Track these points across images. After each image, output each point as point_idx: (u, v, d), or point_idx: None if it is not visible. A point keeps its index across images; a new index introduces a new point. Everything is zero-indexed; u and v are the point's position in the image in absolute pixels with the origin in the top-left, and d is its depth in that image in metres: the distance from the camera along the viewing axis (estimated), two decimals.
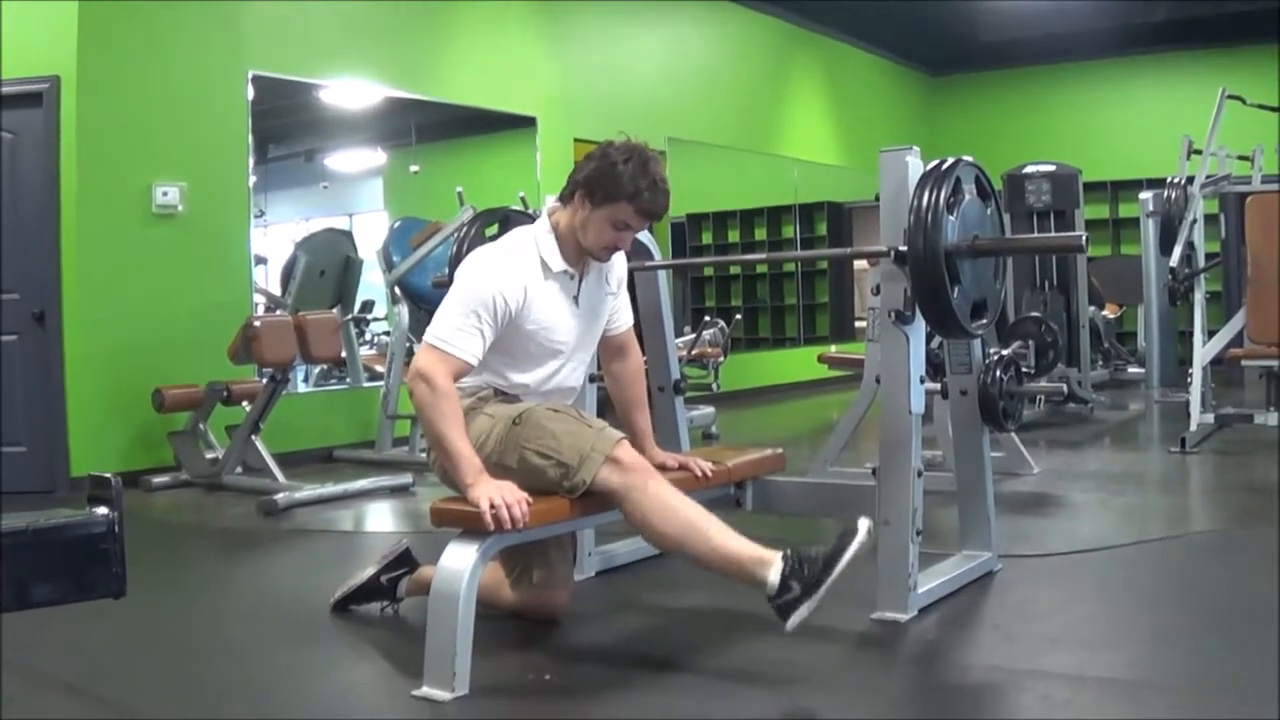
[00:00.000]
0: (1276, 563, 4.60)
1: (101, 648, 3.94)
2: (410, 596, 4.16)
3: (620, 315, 4.10)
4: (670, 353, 5.01)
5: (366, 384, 9.51)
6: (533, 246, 3.74)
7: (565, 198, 3.76)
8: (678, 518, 3.49)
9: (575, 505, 3.53)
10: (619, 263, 4.02)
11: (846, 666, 3.56)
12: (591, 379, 4.64)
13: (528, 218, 6.43)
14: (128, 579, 1.75)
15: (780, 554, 3.38)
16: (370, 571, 4.23)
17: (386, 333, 9.68)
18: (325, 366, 9.28)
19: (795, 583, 3.32)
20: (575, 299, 3.80)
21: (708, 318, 10.73)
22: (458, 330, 3.54)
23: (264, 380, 7.37)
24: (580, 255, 3.77)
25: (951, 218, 3.78)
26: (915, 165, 3.94)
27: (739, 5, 14.04)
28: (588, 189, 3.66)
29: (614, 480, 3.49)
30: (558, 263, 3.73)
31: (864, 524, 3.38)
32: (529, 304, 3.64)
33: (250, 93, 8.51)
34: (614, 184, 3.61)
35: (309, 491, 6.88)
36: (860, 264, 13.90)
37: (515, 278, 3.63)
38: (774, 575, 3.35)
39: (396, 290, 8.86)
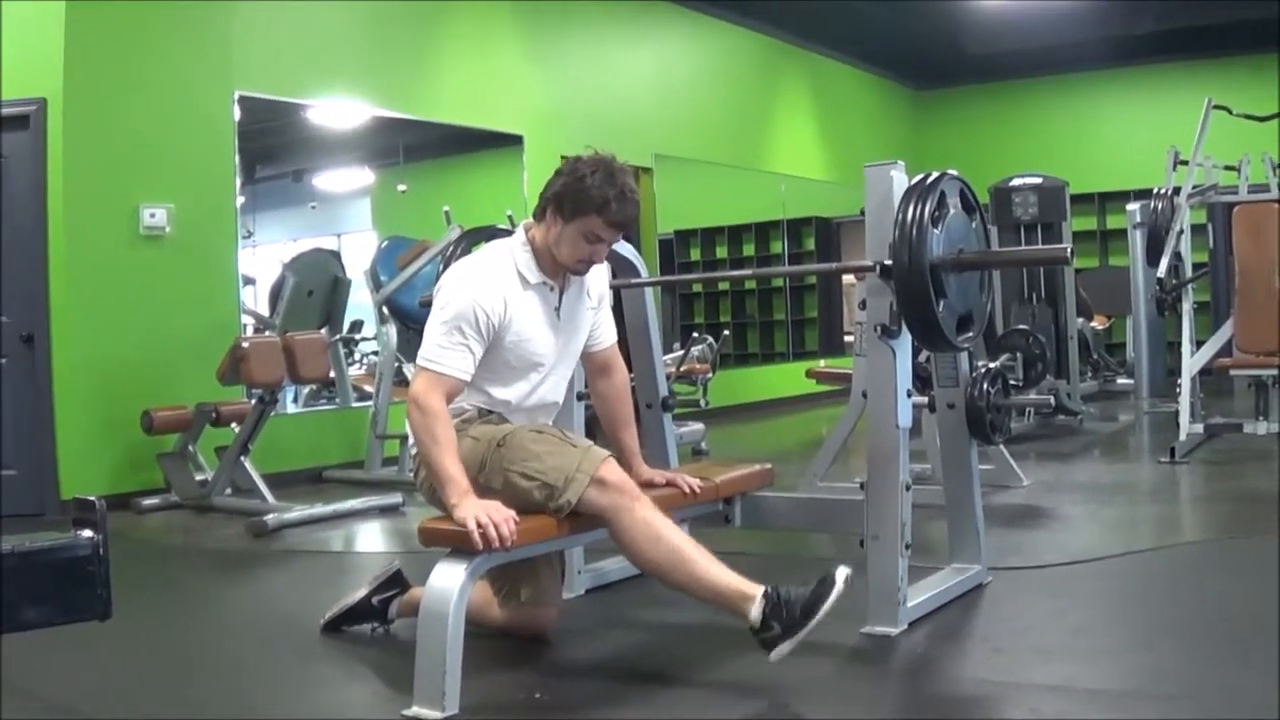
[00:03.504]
0: (1277, 572, 4.61)
1: (91, 668, 3.94)
2: (401, 618, 4.15)
3: (603, 331, 4.09)
4: (658, 369, 5.01)
5: (355, 404, 9.51)
6: (509, 258, 3.76)
7: (538, 214, 3.77)
8: (662, 545, 3.49)
9: (563, 524, 3.53)
10: (600, 277, 4.03)
11: (837, 680, 3.56)
12: (580, 397, 4.64)
13: None
14: (115, 601, 1.75)
15: (761, 591, 3.39)
16: (362, 593, 4.23)
17: (375, 352, 9.67)
18: (314, 387, 9.27)
19: (775, 623, 3.35)
20: (556, 311, 3.81)
21: (696, 334, 10.73)
22: (443, 349, 3.56)
23: (253, 401, 7.36)
24: (558, 269, 3.78)
25: (936, 231, 3.79)
26: (900, 180, 3.96)
27: (725, 22, 14.07)
28: (557, 204, 3.68)
29: (600, 501, 3.49)
30: (534, 274, 3.74)
31: (842, 573, 3.36)
32: (509, 315, 3.65)
33: (237, 113, 8.52)
34: (582, 197, 3.63)
35: (299, 512, 6.86)
36: (848, 278, 13.91)
37: (493, 289, 3.65)
38: (755, 612, 3.37)
39: (385, 310, 8.86)
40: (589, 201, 3.62)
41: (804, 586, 3.37)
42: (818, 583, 3.36)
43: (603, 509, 3.50)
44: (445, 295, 3.67)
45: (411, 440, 3.71)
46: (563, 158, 3.86)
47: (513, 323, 3.67)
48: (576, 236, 3.68)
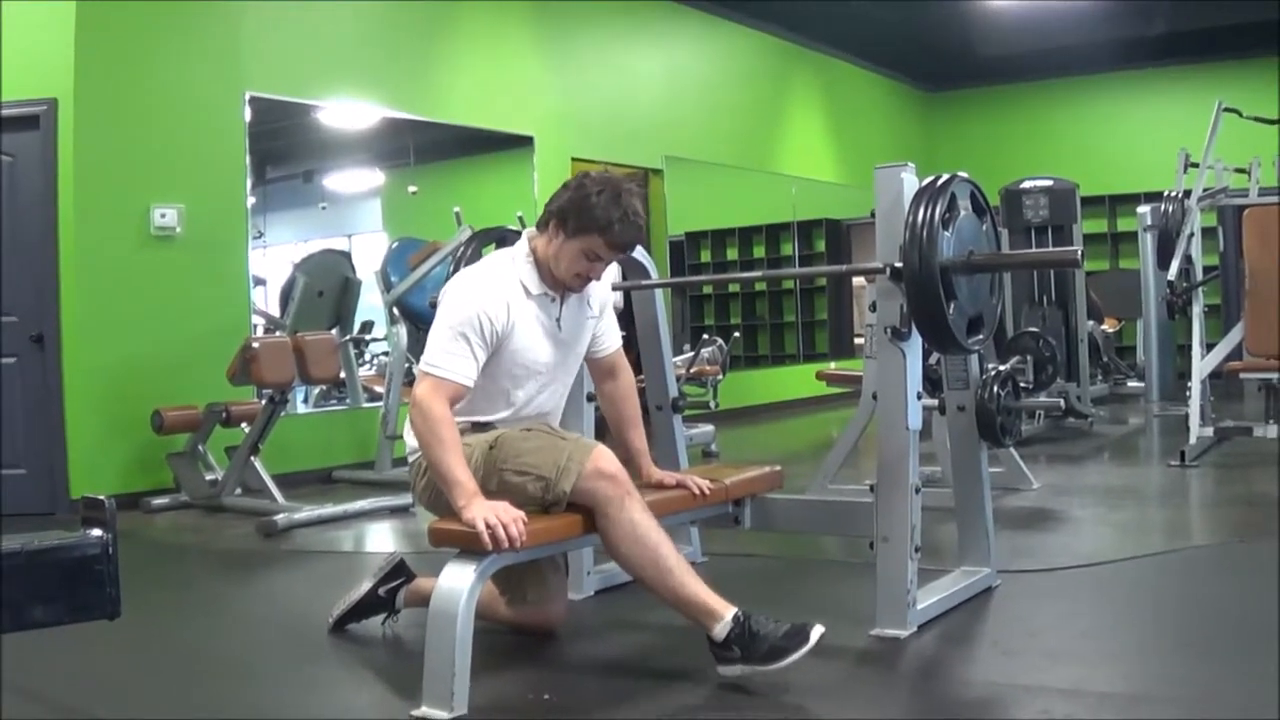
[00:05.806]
0: (1276, 575, 4.60)
1: (100, 668, 3.94)
2: (410, 607, 4.17)
3: (607, 337, 4.12)
4: (668, 371, 5.02)
5: (365, 404, 9.51)
6: (511, 267, 3.79)
7: (541, 225, 3.81)
8: (644, 547, 3.50)
9: (572, 524, 3.54)
10: (601, 286, 4.04)
11: (846, 683, 3.56)
12: (589, 398, 4.65)
13: None
14: (123, 600, 1.75)
15: (732, 613, 3.42)
16: (367, 585, 4.24)
17: (385, 353, 9.68)
18: (324, 387, 9.27)
19: (738, 649, 3.39)
20: (557, 322, 3.84)
21: (706, 335, 10.71)
22: (448, 354, 3.58)
23: (263, 401, 7.36)
24: (559, 281, 3.79)
25: (947, 233, 3.79)
26: (910, 181, 3.95)
27: (736, 24, 14.05)
28: (561, 218, 3.72)
29: (595, 490, 3.50)
30: (536, 285, 3.77)
31: (816, 631, 3.38)
32: (511, 322, 3.69)
33: (248, 114, 8.52)
34: (586, 216, 3.66)
35: (308, 512, 6.87)
36: (859, 281, 13.90)
37: (498, 296, 3.68)
38: (720, 631, 3.42)
39: (395, 310, 8.86)
40: (592, 221, 3.66)
41: (776, 625, 3.40)
42: (791, 629, 3.39)
43: (596, 499, 3.50)
44: (449, 302, 3.70)
45: (410, 448, 3.74)
46: (573, 160, 3.88)
47: (514, 330, 3.70)
48: (576, 253, 3.71)
